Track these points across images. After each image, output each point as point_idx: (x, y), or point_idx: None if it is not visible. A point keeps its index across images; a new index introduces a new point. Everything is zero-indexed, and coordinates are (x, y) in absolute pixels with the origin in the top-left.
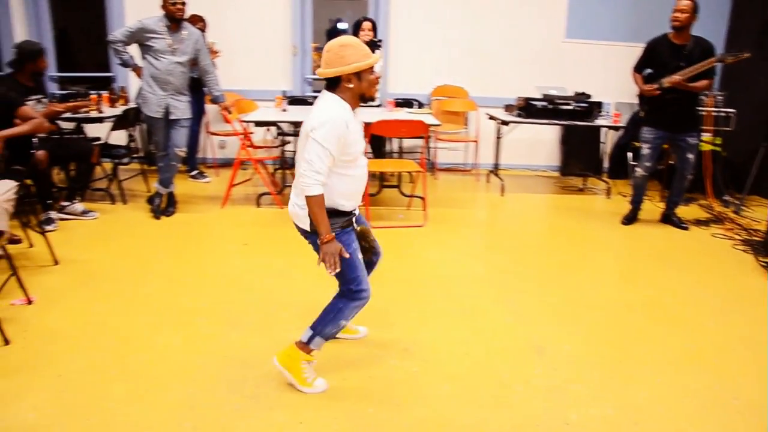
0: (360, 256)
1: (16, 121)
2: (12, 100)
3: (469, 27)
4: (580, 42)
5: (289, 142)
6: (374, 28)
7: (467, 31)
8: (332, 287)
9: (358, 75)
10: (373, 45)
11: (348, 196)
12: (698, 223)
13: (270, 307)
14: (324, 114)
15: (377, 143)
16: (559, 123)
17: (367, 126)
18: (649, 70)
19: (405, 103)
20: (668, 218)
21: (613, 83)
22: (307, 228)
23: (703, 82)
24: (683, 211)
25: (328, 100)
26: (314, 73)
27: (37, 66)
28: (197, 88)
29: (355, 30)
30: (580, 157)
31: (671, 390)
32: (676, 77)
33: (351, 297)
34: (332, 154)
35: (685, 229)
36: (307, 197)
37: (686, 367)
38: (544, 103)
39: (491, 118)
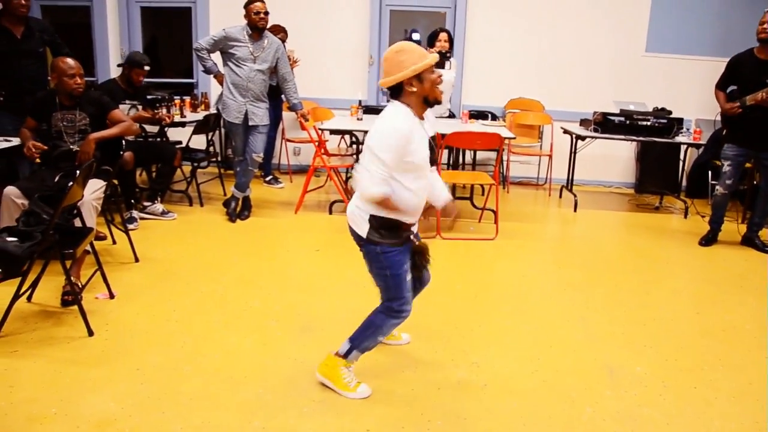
0: (409, 276)
1: (108, 123)
2: (105, 104)
3: (546, 39)
4: (660, 56)
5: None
6: (450, 40)
7: (544, 43)
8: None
9: (419, 77)
10: (444, 57)
11: (407, 208)
12: None
13: (340, 313)
14: (383, 123)
15: (452, 155)
16: (636, 139)
17: (442, 137)
18: (732, 87)
19: (479, 115)
20: (750, 240)
21: (694, 99)
22: (363, 234)
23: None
24: (767, 234)
25: (391, 108)
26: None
27: (136, 76)
28: (276, 96)
29: (431, 41)
30: (657, 174)
31: (746, 420)
32: (760, 95)
33: (391, 315)
34: (387, 163)
35: None
36: (377, 202)
37: (764, 397)
38: (622, 119)
39: (566, 132)
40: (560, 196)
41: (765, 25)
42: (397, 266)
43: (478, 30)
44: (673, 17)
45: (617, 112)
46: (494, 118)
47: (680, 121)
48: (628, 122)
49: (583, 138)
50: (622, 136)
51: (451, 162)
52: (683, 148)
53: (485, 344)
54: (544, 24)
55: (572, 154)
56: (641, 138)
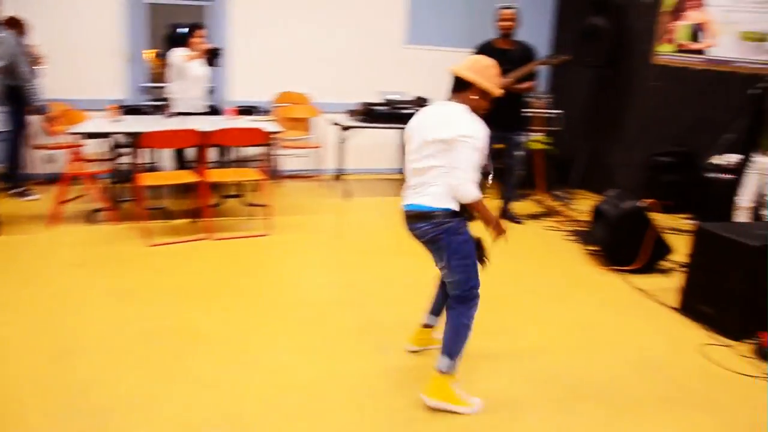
0: None
1: None
2: None
3: (311, 33)
4: (418, 48)
5: (125, 155)
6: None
7: (309, 38)
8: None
9: (484, 94)
10: (215, 54)
11: None
12: (532, 217)
13: (108, 333)
14: (474, 124)
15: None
16: (400, 127)
17: (204, 135)
18: None
19: (247, 110)
20: (504, 214)
21: (448, 87)
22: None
23: (528, 84)
24: (519, 207)
25: (462, 110)
26: (160, 81)
27: None
28: (17, 98)
29: (187, 37)
30: None
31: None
32: (504, 79)
33: (472, 304)
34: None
35: (520, 223)
36: (473, 203)
37: (530, 352)
38: (385, 108)
39: (334, 123)
40: (333, 186)
41: (503, 21)
42: (472, 254)
43: (242, 24)
44: (428, 12)
45: (381, 101)
46: (263, 113)
47: None
48: (391, 111)
49: (349, 128)
50: (387, 124)
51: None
52: None
53: (263, 341)
54: (308, 17)
55: (341, 144)
56: (404, 125)
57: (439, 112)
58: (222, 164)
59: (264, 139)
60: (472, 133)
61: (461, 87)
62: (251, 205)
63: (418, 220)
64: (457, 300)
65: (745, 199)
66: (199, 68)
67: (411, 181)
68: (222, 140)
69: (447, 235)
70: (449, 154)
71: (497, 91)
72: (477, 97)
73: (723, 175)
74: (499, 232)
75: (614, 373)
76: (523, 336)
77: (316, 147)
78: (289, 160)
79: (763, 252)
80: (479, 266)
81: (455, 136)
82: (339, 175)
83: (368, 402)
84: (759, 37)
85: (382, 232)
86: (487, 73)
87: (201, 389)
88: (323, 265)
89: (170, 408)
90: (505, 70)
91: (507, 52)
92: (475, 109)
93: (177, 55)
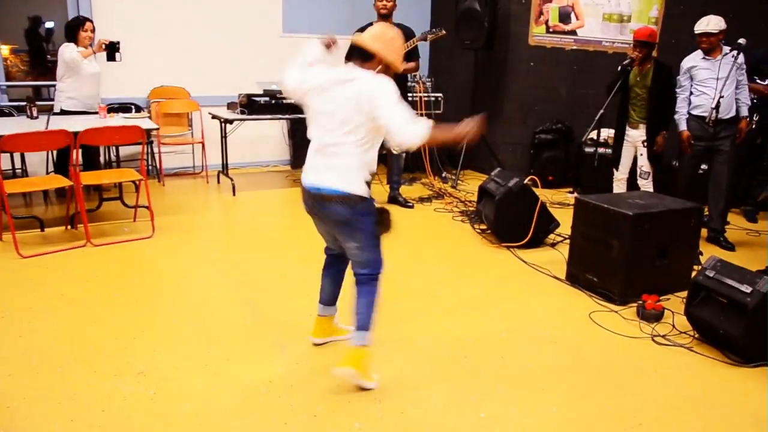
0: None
1: None
2: None
3: (185, 25)
4: (296, 36)
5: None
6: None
7: (183, 30)
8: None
9: (386, 67)
10: (113, 48)
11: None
12: (422, 200)
13: None
14: (380, 80)
15: (88, 154)
16: (282, 117)
17: (76, 136)
18: None
19: (121, 108)
20: (394, 199)
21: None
22: (363, 194)
23: (410, 65)
24: (407, 191)
25: (360, 70)
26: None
27: None
28: None
29: (75, 30)
30: (308, 148)
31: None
32: None
33: (377, 278)
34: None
35: (410, 207)
36: (426, 138)
37: (425, 335)
38: (266, 98)
39: (214, 117)
40: (218, 182)
41: (383, 2)
42: (371, 223)
43: (108, 16)
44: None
45: (261, 92)
46: (138, 109)
47: None
48: (272, 102)
49: (231, 121)
50: (269, 116)
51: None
52: None
53: (150, 350)
54: (182, 9)
55: (223, 139)
56: (287, 116)
57: (352, 73)
58: (95, 166)
59: (140, 137)
60: (388, 85)
61: (363, 58)
62: (133, 206)
63: (331, 202)
64: (368, 277)
65: (621, 171)
66: (92, 64)
67: (317, 156)
68: (95, 140)
69: (360, 216)
70: (375, 123)
71: (401, 66)
72: (379, 70)
73: (599, 149)
74: (473, 131)
75: (510, 347)
76: (418, 319)
77: (198, 143)
78: (170, 158)
79: (637, 220)
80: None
81: (376, 101)
82: (223, 170)
83: (267, 402)
84: (620, 18)
85: (271, 226)
86: (393, 46)
87: (87, 408)
88: (213, 264)
89: (55, 430)
90: None
91: None
92: None
93: (71, 50)
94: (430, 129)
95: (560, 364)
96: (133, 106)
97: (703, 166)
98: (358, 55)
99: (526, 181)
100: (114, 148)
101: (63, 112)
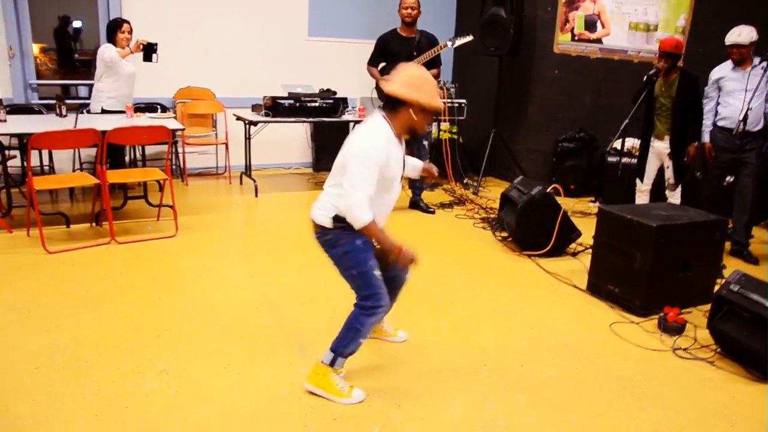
0: (378, 272)
1: None
2: None
3: (211, 27)
4: (321, 40)
5: (13, 157)
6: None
7: (209, 31)
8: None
9: (424, 110)
10: (151, 49)
11: (375, 215)
12: (443, 206)
13: None
14: (366, 141)
15: (115, 153)
16: (306, 120)
17: (104, 134)
18: (383, 63)
19: (147, 108)
20: (416, 204)
21: (354, 79)
22: (329, 225)
23: (434, 71)
24: (429, 196)
25: (371, 122)
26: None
27: None
28: None
29: (114, 31)
30: (332, 152)
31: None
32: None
33: (367, 312)
34: (372, 183)
35: (432, 213)
36: (362, 228)
37: (445, 341)
38: (291, 101)
39: (238, 118)
40: (241, 183)
41: (408, 10)
42: (362, 264)
43: (138, 17)
44: (330, 4)
45: (286, 95)
46: (164, 110)
47: (345, 100)
48: (297, 104)
49: (255, 123)
50: (293, 119)
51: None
52: (351, 125)
53: (172, 349)
54: (209, 11)
55: (247, 140)
56: (311, 119)
57: (363, 124)
58: (119, 165)
59: (166, 136)
60: (365, 151)
61: (391, 105)
62: (157, 205)
63: (313, 229)
64: (357, 303)
65: (645, 182)
66: (129, 64)
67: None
68: (122, 139)
69: (327, 248)
70: (344, 173)
71: (440, 104)
72: (414, 117)
73: (623, 159)
74: (403, 259)
75: (530, 356)
76: (438, 326)
77: (222, 143)
78: (194, 158)
79: (661, 232)
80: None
81: (347, 153)
82: (246, 172)
83: (287, 405)
84: (646, 27)
85: (292, 228)
86: (424, 86)
87: (110, 403)
88: (235, 264)
89: (79, 425)
90: (411, 57)
91: (411, 41)
92: (416, 130)
93: (111, 50)
94: (369, 220)
95: (580, 374)
96: (158, 106)
97: (729, 178)
98: (388, 104)
99: (548, 190)
100: (140, 147)
101: (104, 112)
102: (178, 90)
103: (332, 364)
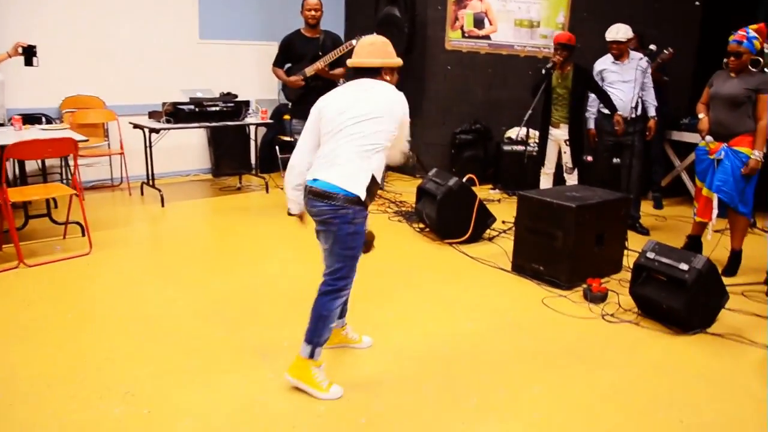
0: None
1: None
2: None
3: (99, 32)
4: (214, 42)
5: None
6: None
7: (97, 37)
8: None
9: (394, 70)
10: (30, 52)
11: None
12: None
13: None
14: (398, 94)
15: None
16: (211, 125)
17: (2, 150)
18: (288, 65)
19: (30, 119)
20: None
21: (249, 81)
22: (362, 193)
23: (340, 70)
24: None
25: (385, 85)
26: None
27: None
28: None
29: None
30: (231, 156)
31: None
32: (318, 65)
33: (335, 295)
34: None
35: None
36: None
37: (392, 333)
38: (192, 107)
39: (136, 126)
40: (142, 194)
41: (312, 12)
42: (359, 248)
43: (18, 21)
44: (220, 5)
45: (187, 100)
46: (49, 120)
47: (247, 103)
48: (198, 110)
49: (157, 131)
50: (196, 124)
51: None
52: (253, 128)
53: (128, 369)
54: (95, 16)
55: (148, 149)
56: (214, 123)
57: (375, 89)
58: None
59: (73, 149)
60: (403, 100)
61: (371, 73)
62: (63, 223)
63: (318, 197)
64: (325, 288)
65: (548, 167)
66: None
67: (323, 156)
68: (25, 154)
69: (340, 221)
70: (395, 132)
71: (400, 61)
72: (389, 78)
73: (526, 147)
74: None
75: (480, 337)
76: (389, 321)
77: (118, 153)
78: (84, 170)
79: (580, 211)
80: (361, 252)
81: (401, 111)
82: (149, 182)
83: (268, 409)
84: (530, 24)
85: (210, 235)
86: (389, 51)
87: None
88: (163, 277)
89: None
90: (316, 57)
91: (315, 41)
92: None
93: None
94: None
95: (529, 347)
96: (43, 117)
97: (616, 160)
98: (368, 73)
99: (465, 180)
100: (18, 162)
101: None
102: (64, 99)
103: (311, 356)
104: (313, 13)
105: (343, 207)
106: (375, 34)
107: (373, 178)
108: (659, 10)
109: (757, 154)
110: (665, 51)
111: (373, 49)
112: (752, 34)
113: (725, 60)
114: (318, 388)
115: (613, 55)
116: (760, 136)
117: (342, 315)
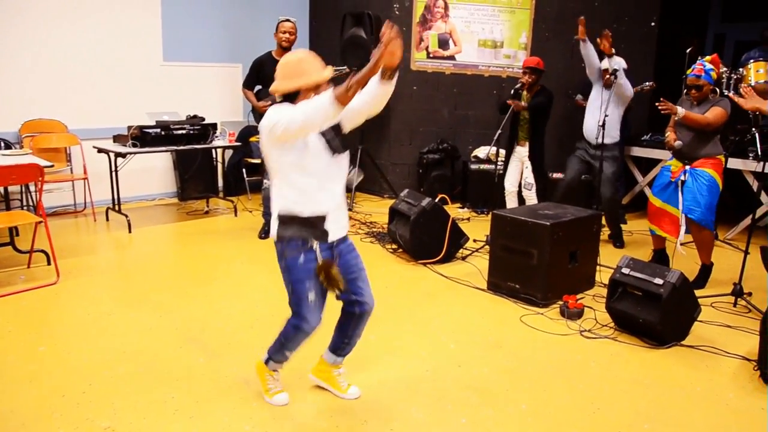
0: (312, 296)
1: None
2: None
3: (60, 54)
4: (178, 64)
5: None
6: None
7: (58, 59)
8: None
9: (317, 89)
10: None
11: (303, 202)
12: None
13: None
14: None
15: None
16: (178, 149)
17: None
18: (258, 87)
19: None
20: None
21: (215, 103)
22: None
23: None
24: None
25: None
26: None
27: None
28: None
29: None
30: (198, 179)
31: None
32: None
33: (292, 328)
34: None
35: None
36: (344, 93)
37: (376, 354)
38: (158, 130)
39: (101, 151)
40: (107, 219)
41: (286, 35)
42: (298, 282)
43: None
44: (184, 27)
45: (153, 123)
46: (8, 146)
47: (214, 126)
48: (165, 133)
49: (123, 155)
50: (164, 148)
51: None
52: (220, 151)
53: (107, 403)
54: (56, 37)
55: (114, 173)
56: (182, 147)
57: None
58: None
59: (39, 175)
60: (270, 120)
61: (290, 98)
62: (28, 251)
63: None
64: (289, 321)
65: (511, 183)
66: None
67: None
68: None
69: (278, 257)
70: (274, 154)
71: (326, 74)
72: (313, 93)
73: (493, 166)
74: (388, 54)
75: (464, 357)
76: (368, 341)
77: (82, 178)
78: (48, 196)
79: (554, 229)
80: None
81: (269, 132)
82: (114, 207)
83: None
84: (494, 44)
85: (182, 261)
86: (303, 69)
87: None
88: (136, 306)
89: None
90: None
91: None
92: None
93: None
94: (338, 90)
95: (511, 365)
96: (2, 142)
97: (585, 176)
98: (288, 98)
99: (438, 201)
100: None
101: None
102: (24, 123)
103: (266, 363)
104: (287, 36)
105: (276, 241)
106: (300, 49)
107: (289, 209)
108: (618, 30)
109: (680, 111)
110: (647, 84)
111: (287, 70)
112: (708, 66)
113: (685, 92)
114: (266, 392)
115: (605, 84)
116: (697, 116)
117: (341, 354)
